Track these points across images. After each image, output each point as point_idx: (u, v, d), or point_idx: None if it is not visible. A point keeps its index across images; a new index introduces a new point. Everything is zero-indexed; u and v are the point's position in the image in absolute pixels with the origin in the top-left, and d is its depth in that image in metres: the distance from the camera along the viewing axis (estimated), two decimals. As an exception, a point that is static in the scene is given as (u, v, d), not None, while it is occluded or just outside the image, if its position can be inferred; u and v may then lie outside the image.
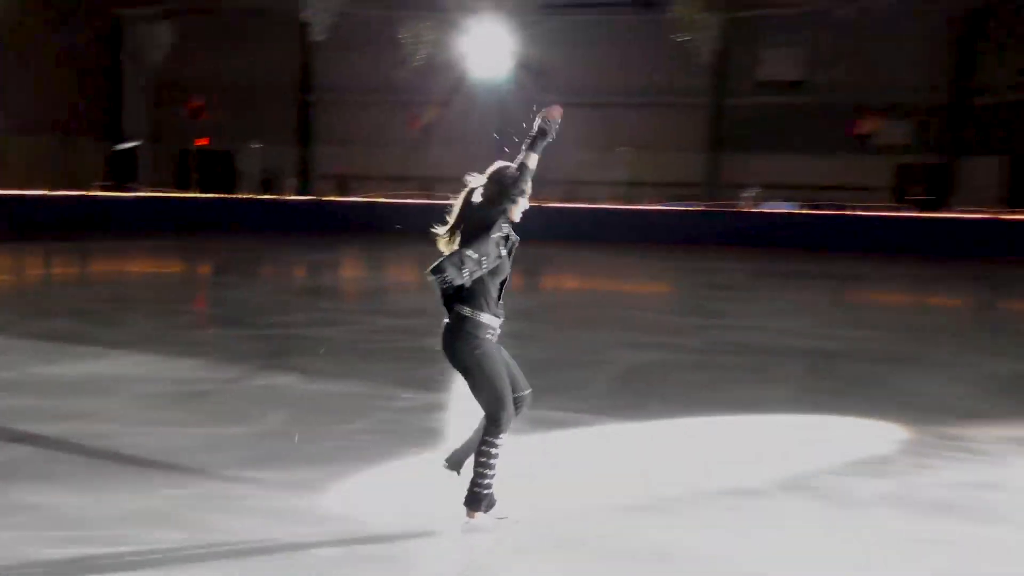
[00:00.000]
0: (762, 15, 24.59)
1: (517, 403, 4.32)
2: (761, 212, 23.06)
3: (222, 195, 26.38)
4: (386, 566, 3.90)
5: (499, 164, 4.21)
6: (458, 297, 4.09)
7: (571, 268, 18.87)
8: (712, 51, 22.07)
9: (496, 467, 4.21)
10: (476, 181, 4.22)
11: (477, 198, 4.17)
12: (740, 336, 10.18)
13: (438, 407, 6.78)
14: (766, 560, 4.06)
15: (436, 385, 7.39)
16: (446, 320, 4.16)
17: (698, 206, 24.06)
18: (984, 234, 20.90)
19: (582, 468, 5.37)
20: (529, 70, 25.80)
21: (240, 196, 27.07)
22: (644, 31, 24.12)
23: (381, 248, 21.00)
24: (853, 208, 22.51)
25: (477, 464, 4.21)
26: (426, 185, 26.46)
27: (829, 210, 22.69)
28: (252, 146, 28.60)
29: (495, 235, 4.04)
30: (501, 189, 4.08)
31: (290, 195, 27.26)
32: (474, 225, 4.08)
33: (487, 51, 25.71)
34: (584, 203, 24.35)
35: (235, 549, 3.99)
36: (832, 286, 16.10)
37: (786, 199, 23.82)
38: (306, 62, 28.45)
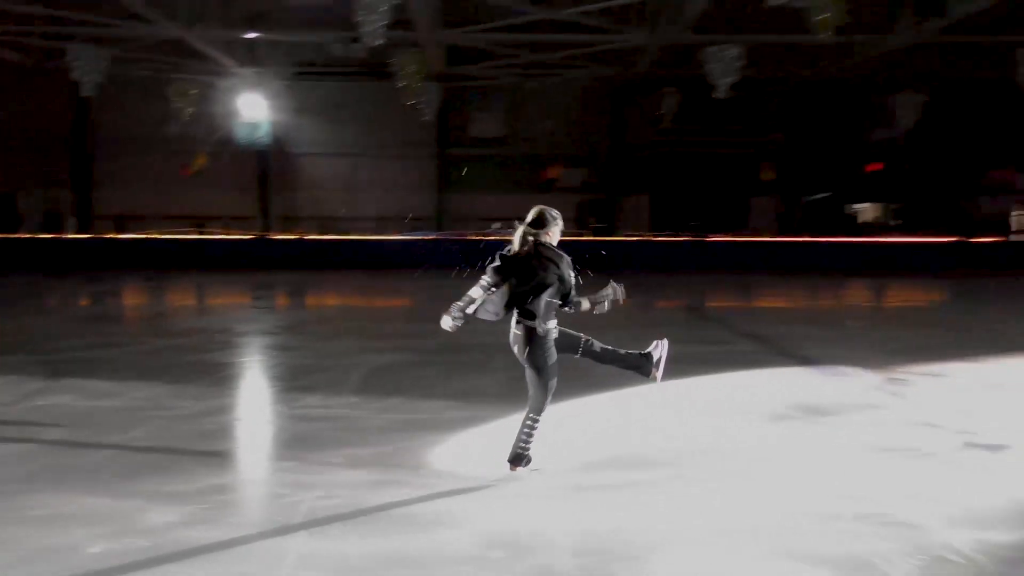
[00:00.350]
0: (471, 84, 25.36)
1: (587, 345, 4.75)
2: (476, 238, 23.57)
3: (2, 235, 23.37)
4: (164, 566, 3.60)
5: (543, 216, 4.54)
6: (530, 314, 4.41)
7: (328, 290, 18.44)
8: (434, 112, 22.39)
9: (536, 436, 4.58)
10: (533, 214, 4.54)
11: (544, 237, 4.49)
12: (466, 337, 10.29)
13: (210, 413, 6.35)
14: (471, 520, 4.14)
15: (208, 394, 6.95)
16: (517, 331, 4.47)
17: (431, 235, 24.30)
18: (639, 252, 22.62)
19: (330, 452, 5.23)
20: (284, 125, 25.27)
21: (21, 236, 24.13)
22: (381, 95, 24.02)
23: (157, 279, 19.46)
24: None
25: (522, 432, 4.57)
26: (198, 223, 25.00)
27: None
28: (33, 189, 25.72)
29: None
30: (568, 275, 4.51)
31: (71, 234, 24.68)
32: (562, 283, 4.46)
33: (248, 108, 24.76)
34: (338, 236, 23.90)
35: (17, 559, 3.53)
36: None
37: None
38: (82, 114, 25.89)
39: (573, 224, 25.70)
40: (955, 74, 23.44)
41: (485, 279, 4.46)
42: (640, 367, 4.90)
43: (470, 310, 4.47)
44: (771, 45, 19.95)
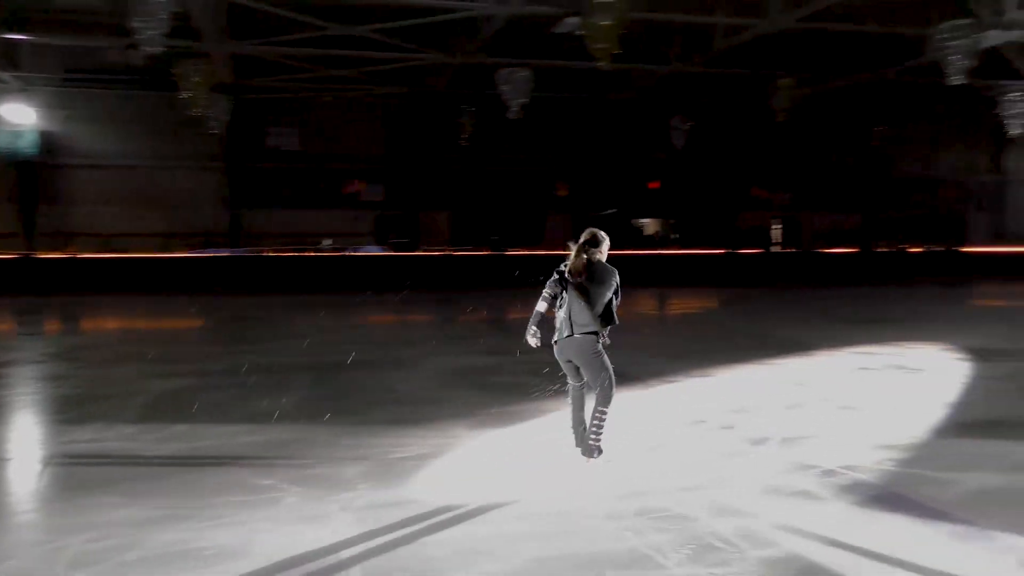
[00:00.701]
0: (267, 97, 24.46)
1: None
2: (276, 256, 22.70)
3: None
4: None
5: (596, 236, 4.95)
6: (596, 324, 4.80)
7: (107, 313, 16.96)
8: (223, 124, 21.28)
9: (605, 428, 4.99)
10: (587, 236, 4.94)
11: (597, 255, 4.89)
12: (260, 358, 9.90)
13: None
14: (261, 549, 3.97)
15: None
16: (582, 339, 4.81)
17: (224, 252, 23.09)
18: (441, 266, 22.80)
19: (104, 489, 4.81)
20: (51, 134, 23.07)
21: None
22: (166, 105, 22.53)
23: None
24: (352, 250, 23.20)
25: (593, 426, 4.96)
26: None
27: (332, 252, 23.14)
28: None
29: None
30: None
31: None
32: (617, 296, 4.94)
33: (10, 115, 22.38)
34: (118, 254, 22.07)
35: None
36: (338, 312, 16.34)
37: (367, 244, 24.05)
38: None
39: (372, 239, 25.48)
40: (720, 101, 25.80)
41: (547, 293, 4.87)
42: (587, 447, 5.05)
43: (543, 308, 4.90)
44: (560, 69, 20.89)
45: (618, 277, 4.93)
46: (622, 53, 15.61)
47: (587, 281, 4.81)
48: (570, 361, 4.97)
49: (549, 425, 6.39)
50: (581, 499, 4.63)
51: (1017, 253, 26.64)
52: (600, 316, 4.86)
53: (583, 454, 5.06)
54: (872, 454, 5.53)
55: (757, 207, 29.29)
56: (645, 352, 10.21)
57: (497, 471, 5.19)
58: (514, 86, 18.40)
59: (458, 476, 5.06)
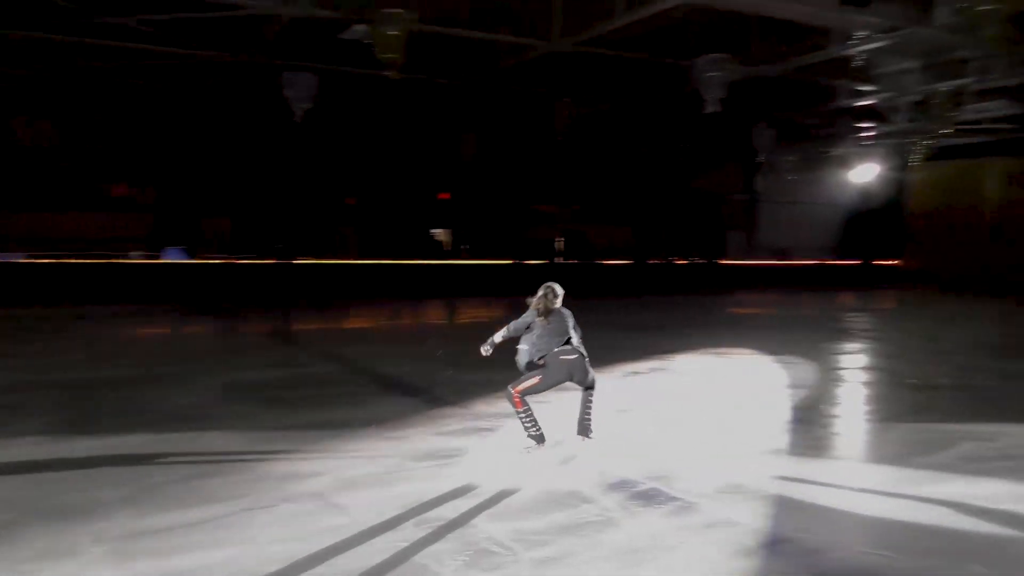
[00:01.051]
0: (13, 87, 21.90)
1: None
2: (29, 263, 20.39)
3: None
4: None
5: (554, 289, 6.17)
6: (575, 347, 5.96)
7: None
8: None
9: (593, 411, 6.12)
10: (547, 289, 6.16)
11: (556, 302, 6.09)
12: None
13: None
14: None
15: None
16: (572, 357, 5.91)
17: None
18: (222, 274, 21.61)
19: None
20: None
21: None
22: None
23: None
24: (121, 258, 21.40)
25: (588, 411, 6.10)
26: None
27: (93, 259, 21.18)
28: None
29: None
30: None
31: None
32: (568, 324, 6.10)
33: None
34: None
35: None
36: (101, 324, 14.95)
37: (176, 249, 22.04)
38: None
39: (144, 247, 23.67)
40: (508, 117, 26.65)
41: (511, 329, 6.14)
42: (585, 428, 6.10)
43: (498, 339, 6.18)
44: (350, 76, 20.58)
45: (572, 318, 6.13)
46: (412, 63, 15.66)
47: (552, 320, 6.02)
48: (571, 376, 5.93)
49: (333, 438, 6.26)
50: (356, 513, 4.56)
51: (766, 265, 29.89)
52: (567, 342, 6.00)
53: (579, 434, 6.06)
54: (638, 453, 5.94)
55: (543, 220, 30.56)
56: (433, 362, 10.28)
57: (269, 489, 4.99)
58: (298, 90, 17.86)
59: (227, 496, 4.81)
